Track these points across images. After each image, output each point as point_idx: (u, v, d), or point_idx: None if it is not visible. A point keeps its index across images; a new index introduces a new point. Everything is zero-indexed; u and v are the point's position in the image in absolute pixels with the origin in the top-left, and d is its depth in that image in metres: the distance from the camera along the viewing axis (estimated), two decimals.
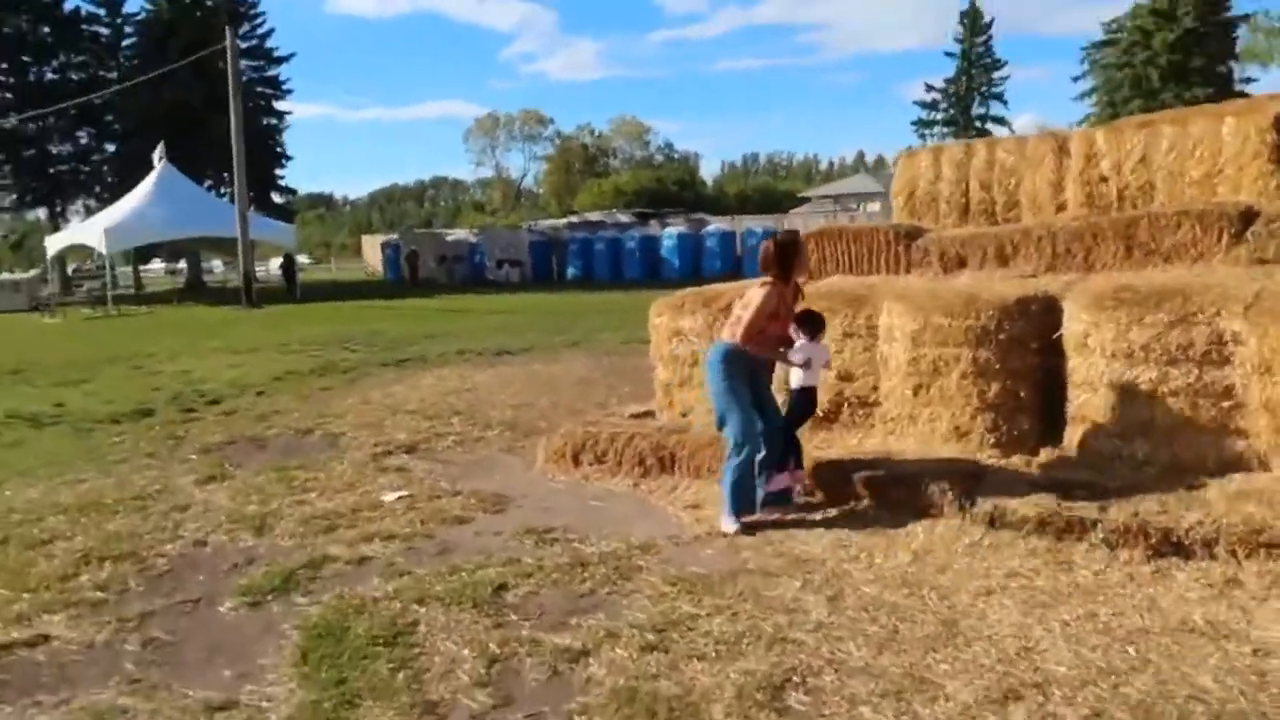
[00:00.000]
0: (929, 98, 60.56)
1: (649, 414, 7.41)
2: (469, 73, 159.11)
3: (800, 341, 5.34)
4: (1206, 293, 4.85)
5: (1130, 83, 43.14)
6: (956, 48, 59.85)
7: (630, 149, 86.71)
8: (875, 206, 43.73)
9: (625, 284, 33.40)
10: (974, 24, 59.69)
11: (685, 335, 6.93)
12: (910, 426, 5.76)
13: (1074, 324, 5.21)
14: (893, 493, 5.20)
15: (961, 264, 6.41)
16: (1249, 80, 44.18)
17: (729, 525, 5.14)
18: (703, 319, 6.81)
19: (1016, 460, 5.34)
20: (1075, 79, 49.48)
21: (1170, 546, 4.37)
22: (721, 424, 5.28)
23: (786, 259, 5.22)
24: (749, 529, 5.11)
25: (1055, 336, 5.33)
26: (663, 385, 7.20)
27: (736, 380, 5.17)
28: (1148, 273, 5.43)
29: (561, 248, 39.44)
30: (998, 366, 5.40)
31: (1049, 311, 5.43)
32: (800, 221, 37.67)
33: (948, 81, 60.01)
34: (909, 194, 7.48)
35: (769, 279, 5.24)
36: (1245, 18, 44.05)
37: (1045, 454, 5.34)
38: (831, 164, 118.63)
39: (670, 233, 37.31)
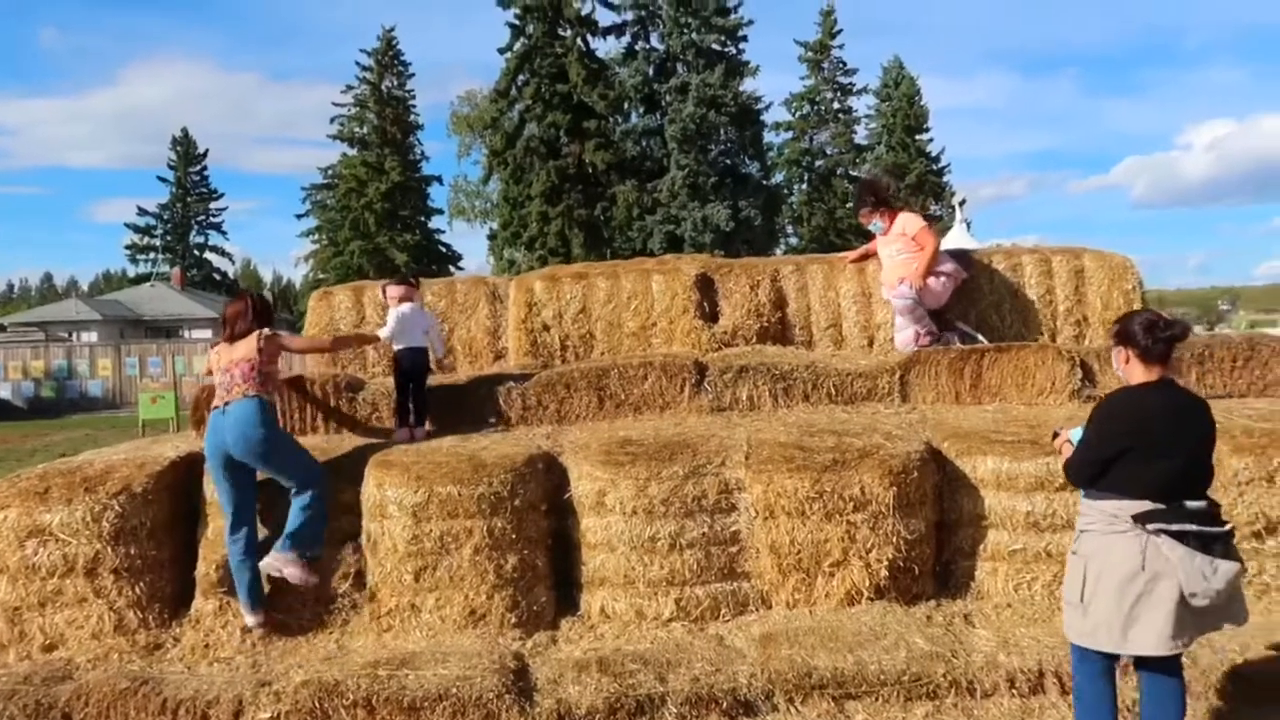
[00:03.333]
0: (142, 222, 57.01)
1: None
2: None
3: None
4: (708, 443, 5.04)
5: (350, 224, 46.21)
6: (170, 174, 57.72)
7: None
8: (92, 336, 38.93)
9: None
10: (187, 152, 58.29)
11: (54, 534, 4.89)
12: (413, 618, 4.82)
13: (586, 482, 4.95)
14: (433, 711, 4.22)
15: None
16: (442, 231, 50.94)
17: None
18: (84, 510, 4.89)
19: (542, 638, 4.83)
20: (299, 216, 51.12)
21: (741, 707, 4.30)
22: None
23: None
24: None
25: (566, 497, 5.01)
26: (8, 610, 4.95)
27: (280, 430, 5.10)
28: (638, 424, 5.47)
29: None
30: (514, 536, 4.85)
31: (552, 470, 5.10)
32: (2, 354, 31.50)
33: (162, 207, 57.28)
34: None
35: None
36: (438, 178, 51.03)
37: (568, 625, 4.93)
38: (12, 285, 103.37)
39: None
